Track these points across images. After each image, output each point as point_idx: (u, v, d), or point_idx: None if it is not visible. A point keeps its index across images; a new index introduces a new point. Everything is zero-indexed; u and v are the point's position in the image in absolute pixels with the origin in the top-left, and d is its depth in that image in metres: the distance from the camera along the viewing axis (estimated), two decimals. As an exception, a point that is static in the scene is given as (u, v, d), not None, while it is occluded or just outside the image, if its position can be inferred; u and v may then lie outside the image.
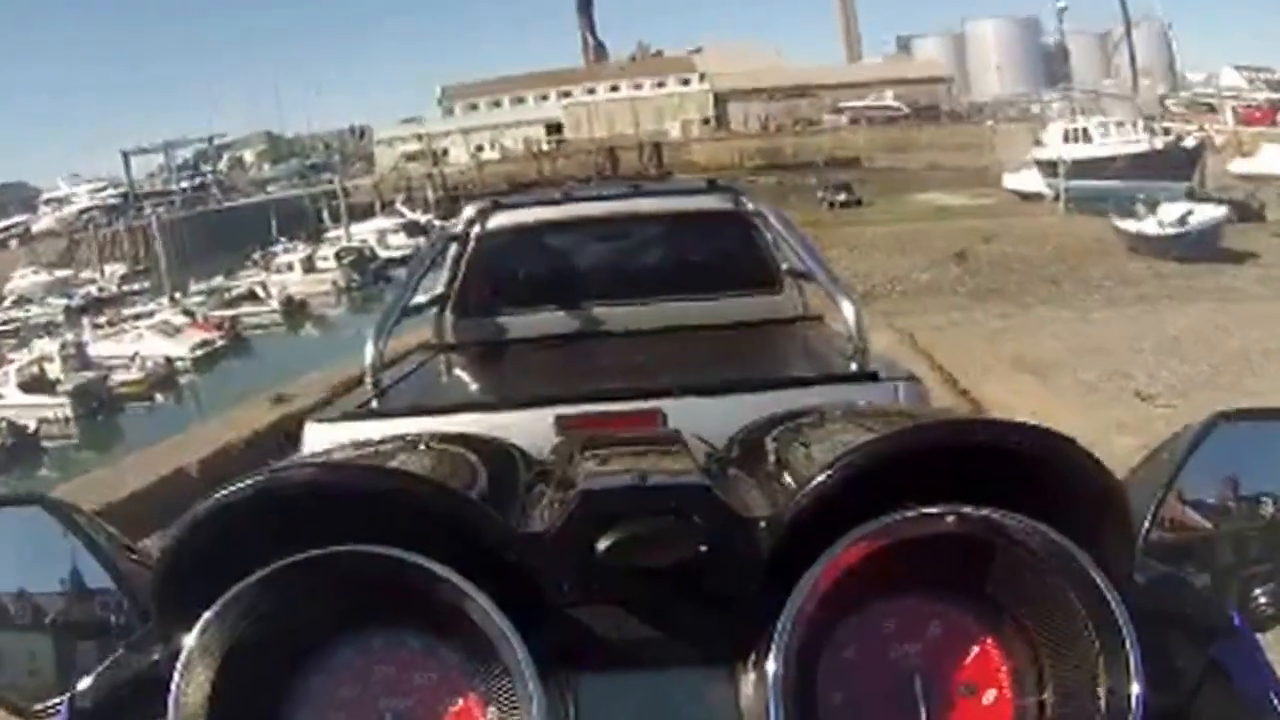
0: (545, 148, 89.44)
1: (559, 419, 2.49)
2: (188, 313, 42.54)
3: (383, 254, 57.57)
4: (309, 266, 51.62)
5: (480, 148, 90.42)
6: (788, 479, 1.18)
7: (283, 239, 58.72)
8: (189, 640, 0.99)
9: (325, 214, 69.04)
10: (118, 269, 62.16)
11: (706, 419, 1.82)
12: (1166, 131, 48.14)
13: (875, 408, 2.00)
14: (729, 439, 1.58)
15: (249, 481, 1.02)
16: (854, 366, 3.09)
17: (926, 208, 47.92)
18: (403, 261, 57.34)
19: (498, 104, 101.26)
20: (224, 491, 1.02)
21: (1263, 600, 1.29)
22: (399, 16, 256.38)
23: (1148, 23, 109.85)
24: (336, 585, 1.01)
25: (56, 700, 1.15)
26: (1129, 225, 29.98)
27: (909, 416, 1.48)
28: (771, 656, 0.97)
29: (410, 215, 66.73)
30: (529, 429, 2.05)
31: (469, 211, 4.39)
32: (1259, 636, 1.16)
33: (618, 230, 4.67)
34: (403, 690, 1.07)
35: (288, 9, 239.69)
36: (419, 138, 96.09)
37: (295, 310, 46.53)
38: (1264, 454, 1.36)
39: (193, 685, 0.98)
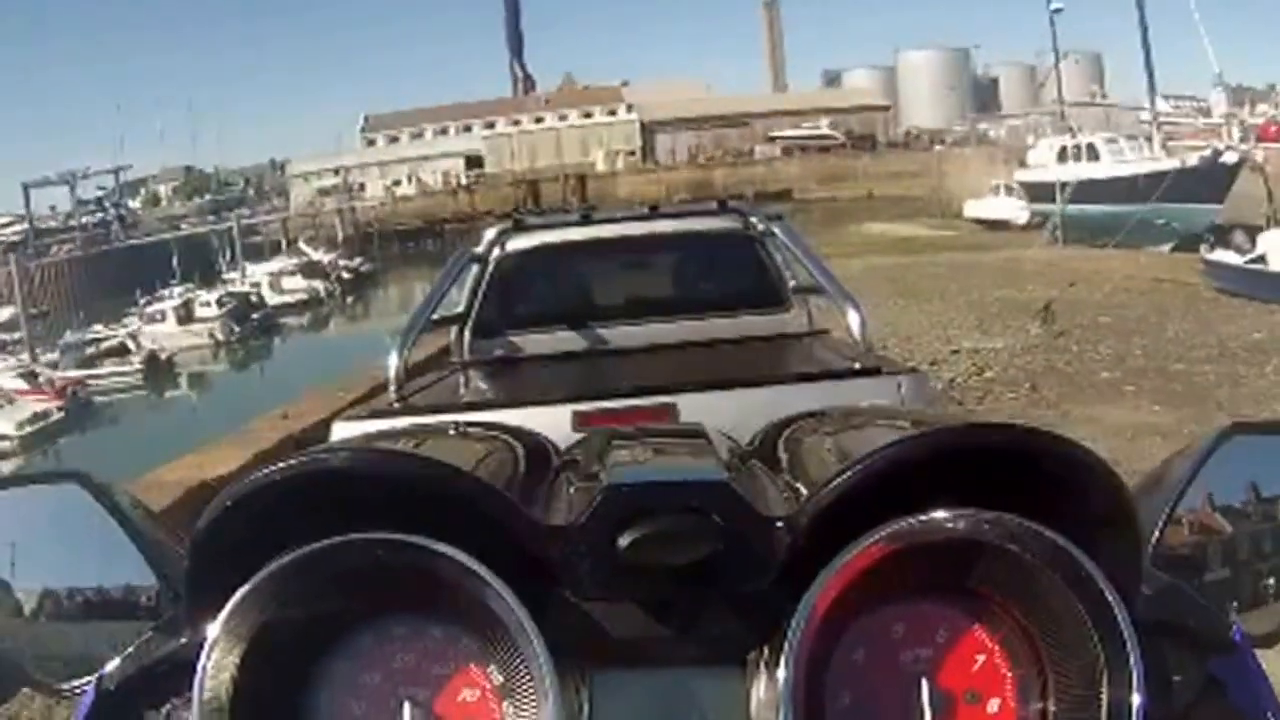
0: (464, 181, 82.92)
1: (576, 414, 2.58)
2: (31, 375, 34.93)
3: (274, 299, 50.72)
4: (185, 315, 44.20)
5: (397, 182, 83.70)
6: (805, 478, 1.17)
7: (172, 282, 51.05)
8: (217, 622, 0.98)
9: (227, 253, 61.74)
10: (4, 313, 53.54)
11: (719, 414, 1.83)
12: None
13: (891, 409, 2.02)
14: (750, 437, 1.56)
15: (281, 465, 1.02)
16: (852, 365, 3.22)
17: (882, 240, 41.82)
18: (295, 308, 51.81)
19: (419, 135, 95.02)
20: (258, 474, 1.01)
21: (1266, 615, 1.26)
22: (328, 49, 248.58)
23: (1076, 55, 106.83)
24: (361, 571, 1.00)
25: (84, 680, 1.13)
26: (1228, 259, 20.91)
27: (924, 417, 1.41)
28: (783, 657, 0.97)
29: (313, 255, 59.79)
30: (548, 425, 1.97)
31: (490, 233, 4.49)
32: (1259, 652, 1.14)
33: (632, 251, 4.77)
34: (421, 678, 1.06)
35: (213, 39, 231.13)
36: (335, 171, 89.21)
37: (161, 369, 39.15)
38: (1275, 467, 1.32)
39: (218, 667, 0.98)
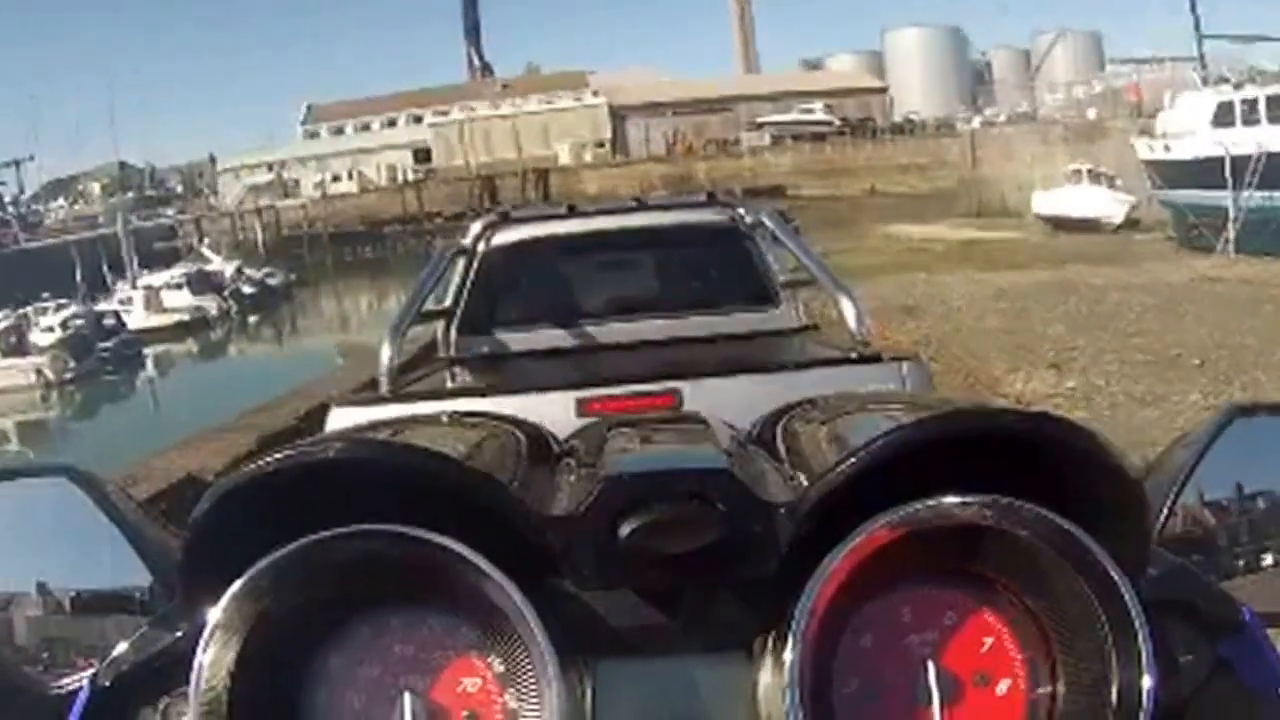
0: (411, 176, 71.18)
1: (579, 400, 2.54)
2: None
3: (146, 320, 38.60)
4: (15, 345, 32.49)
5: (336, 178, 71.62)
6: (808, 465, 1.16)
7: (44, 295, 38.90)
8: (213, 615, 0.97)
9: (133, 258, 49.61)
10: None
11: (722, 401, 1.81)
12: None
13: (893, 394, 1.99)
14: (750, 424, 1.52)
15: (275, 456, 1.00)
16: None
17: (943, 246, 30.89)
18: (172, 333, 39.12)
19: (366, 127, 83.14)
20: (251, 466, 0.99)
21: (1274, 594, 1.25)
22: (279, 41, 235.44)
23: (1074, 34, 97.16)
24: (359, 563, 0.99)
25: (79, 676, 1.12)
26: None
27: (927, 403, 1.41)
28: (789, 643, 0.95)
29: (214, 262, 47.80)
30: (551, 411, 1.97)
31: (475, 226, 4.44)
32: (1268, 631, 1.12)
33: (620, 247, 4.65)
34: (421, 669, 1.04)
35: (159, 25, 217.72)
36: (269, 166, 77.25)
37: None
38: (1278, 448, 1.32)
39: (215, 661, 0.96)
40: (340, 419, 2.77)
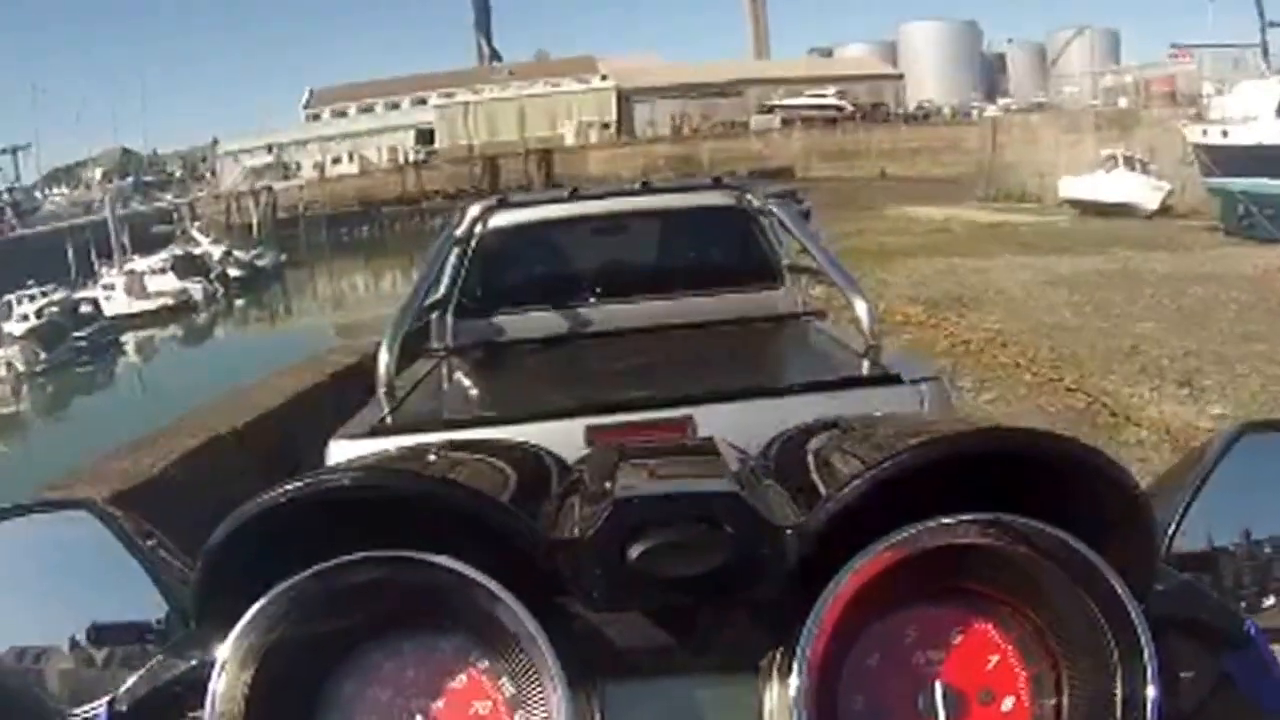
0: (413, 158, 69.47)
1: (589, 429, 2.52)
2: None
3: (128, 306, 36.79)
4: (-20, 340, 30.51)
5: (337, 160, 69.69)
6: (816, 487, 1.15)
7: (30, 280, 36.98)
8: (227, 643, 0.97)
9: (125, 241, 47.66)
10: None
11: (736, 425, 1.82)
12: None
13: (902, 416, 2.06)
14: (761, 446, 1.51)
15: (288, 487, 1.00)
16: (866, 364, 3.18)
17: (966, 229, 28.94)
18: (156, 318, 37.08)
19: (369, 110, 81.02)
20: (264, 496, 1.00)
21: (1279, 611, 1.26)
22: (284, 29, 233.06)
23: (1092, 30, 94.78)
24: (371, 589, 1.00)
25: (96, 704, 1.12)
26: None
27: (935, 424, 1.42)
28: (795, 665, 0.96)
29: (203, 244, 46.04)
30: (558, 440, 1.89)
31: (473, 211, 4.31)
32: (1273, 647, 1.10)
33: (622, 227, 4.61)
34: (433, 693, 1.05)
35: (165, 13, 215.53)
36: (269, 149, 75.22)
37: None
38: None
39: (230, 687, 0.97)
40: (340, 451, 2.71)
